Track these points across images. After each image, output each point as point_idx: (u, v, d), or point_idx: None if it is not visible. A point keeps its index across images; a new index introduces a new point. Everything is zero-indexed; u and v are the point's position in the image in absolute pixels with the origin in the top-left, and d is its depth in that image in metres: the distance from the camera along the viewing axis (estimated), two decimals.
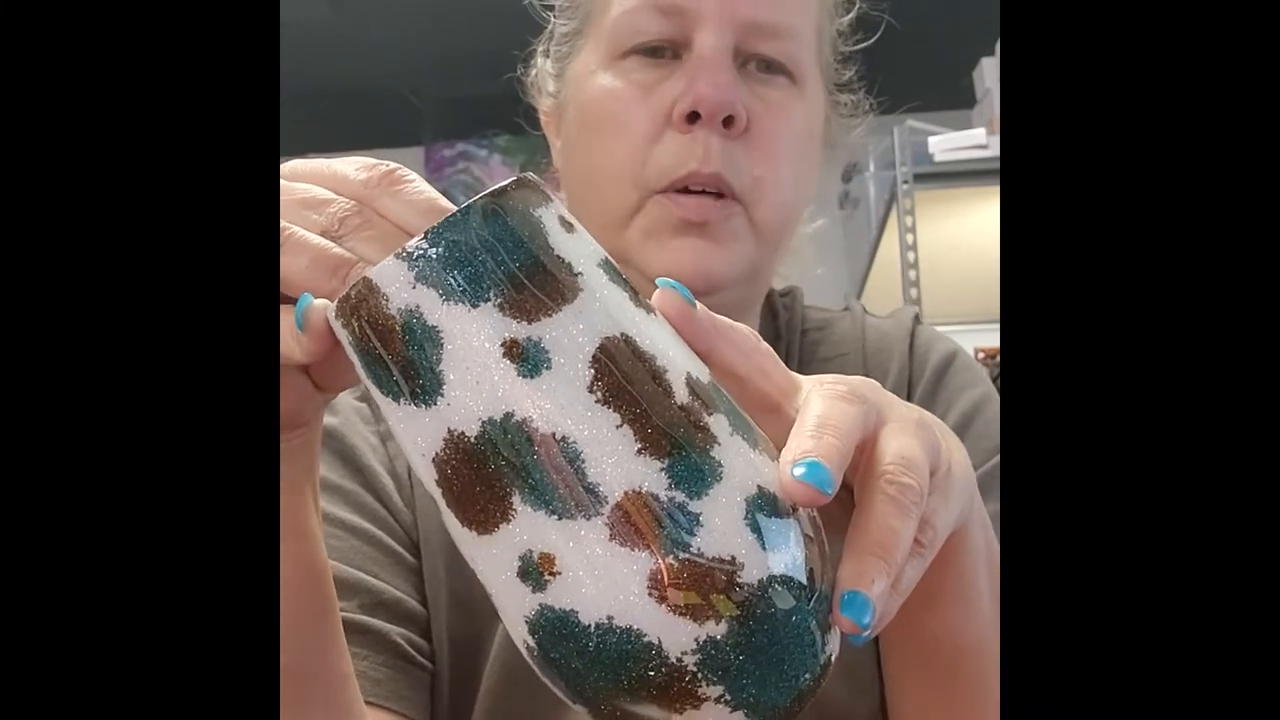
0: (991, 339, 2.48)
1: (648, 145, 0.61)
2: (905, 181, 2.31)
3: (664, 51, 0.62)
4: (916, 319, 0.71)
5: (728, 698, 0.30)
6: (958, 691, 0.47)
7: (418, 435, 0.30)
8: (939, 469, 0.37)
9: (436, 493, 0.31)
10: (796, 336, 0.69)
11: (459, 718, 0.59)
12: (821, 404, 0.34)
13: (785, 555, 0.30)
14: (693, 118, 0.59)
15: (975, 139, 2.27)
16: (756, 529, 0.30)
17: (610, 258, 0.33)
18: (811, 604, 0.31)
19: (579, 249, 0.31)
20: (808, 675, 0.31)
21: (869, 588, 0.31)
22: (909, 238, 2.28)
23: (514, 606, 0.30)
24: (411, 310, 0.29)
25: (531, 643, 0.31)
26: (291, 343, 0.34)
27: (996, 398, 0.66)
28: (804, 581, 0.31)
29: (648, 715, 0.30)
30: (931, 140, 2.31)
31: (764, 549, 0.30)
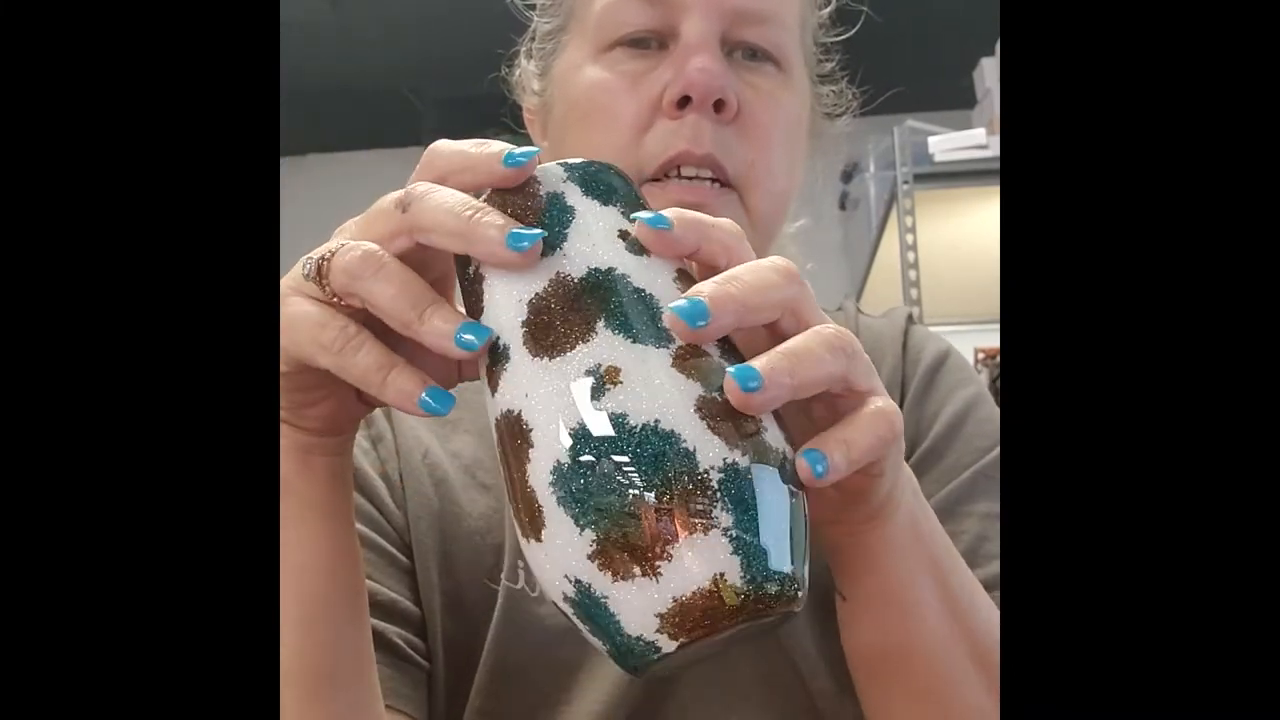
0: (991, 339, 2.48)
1: (638, 135, 0.60)
2: (905, 181, 2.31)
3: (650, 42, 0.62)
4: (910, 318, 0.71)
5: (734, 533, 0.33)
6: (915, 693, 0.47)
7: (522, 282, 0.37)
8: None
9: (517, 333, 0.36)
10: None
11: (453, 718, 0.59)
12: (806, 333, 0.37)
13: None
14: (683, 103, 0.59)
15: (975, 139, 2.27)
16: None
17: None
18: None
19: None
20: (799, 564, 0.34)
21: (766, 367, 0.34)
22: (909, 238, 2.28)
23: (563, 416, 0.34)
24: (557, 194, 0.38)
25: (565, 451, 0.34)
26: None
27: (989, 397, 0.66)
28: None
29: (662, 531, 0.32)
30: (931, 140, 2.31)
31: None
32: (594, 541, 0.33)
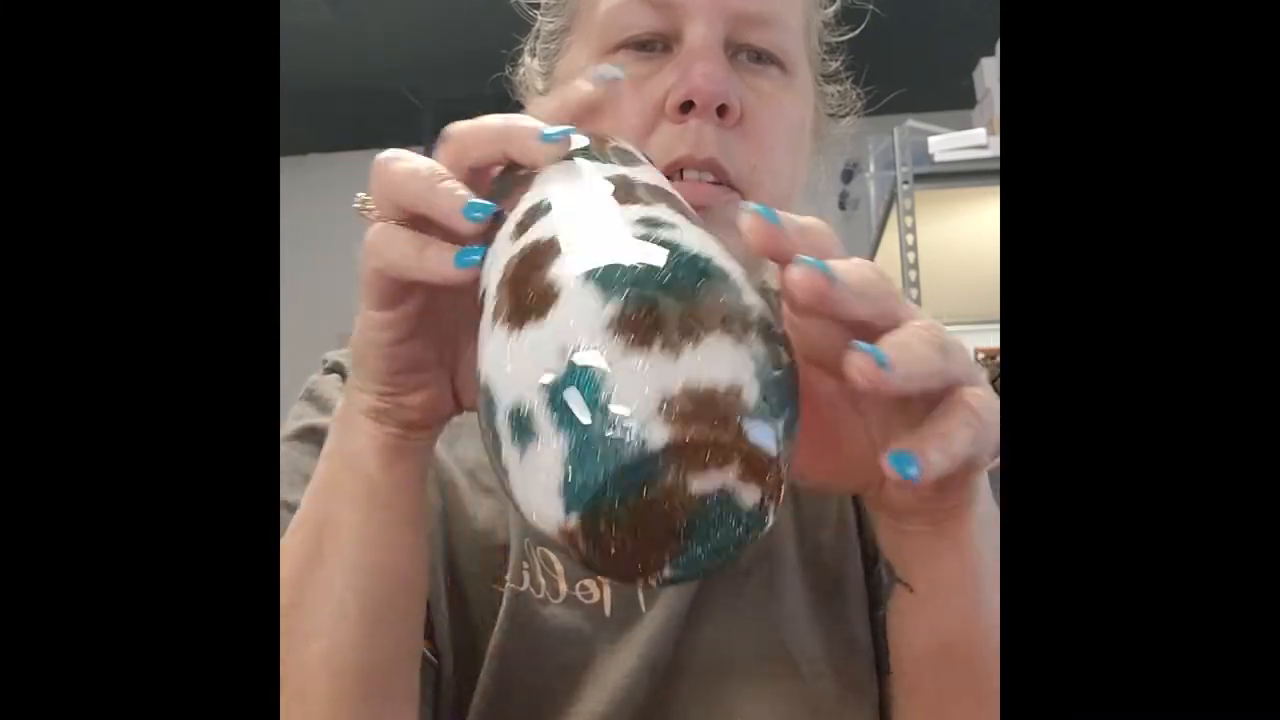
0: (991, 339, 2.48)
1: (641, 139, 0.60)
2: (905, 181, 2.31)
3: (654, 45, 0.62)
4: None
5: (757, 365, 0.32)
6: (969, 688, 0.47)
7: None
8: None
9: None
10: None
11: (461, 716, 0.59)
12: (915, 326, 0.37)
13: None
14: (686, 107, 0.59)
15: (975, 139, 2.27)
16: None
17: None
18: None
19: None
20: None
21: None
22: (909, 238, 2.28)
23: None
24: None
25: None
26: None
27: (993, 400, 0.66)
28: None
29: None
30: (931, 140, 2.31)
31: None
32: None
